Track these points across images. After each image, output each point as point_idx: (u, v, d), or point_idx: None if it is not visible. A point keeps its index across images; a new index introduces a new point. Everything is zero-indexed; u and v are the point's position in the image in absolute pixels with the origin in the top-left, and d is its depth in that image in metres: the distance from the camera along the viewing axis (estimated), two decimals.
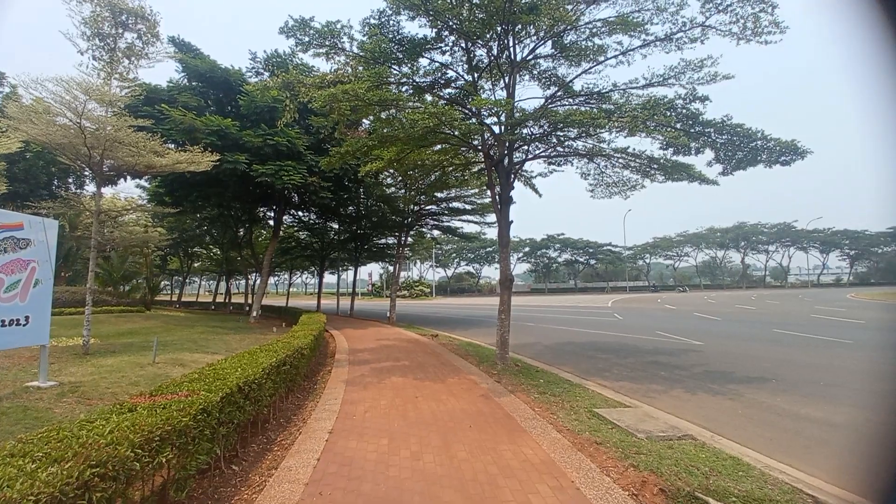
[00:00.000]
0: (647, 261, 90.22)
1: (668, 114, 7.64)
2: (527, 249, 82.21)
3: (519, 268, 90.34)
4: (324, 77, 9.73)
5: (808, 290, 64.29)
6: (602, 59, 8.85)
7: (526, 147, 10.46)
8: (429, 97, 10.22)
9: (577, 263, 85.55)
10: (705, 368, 9.13)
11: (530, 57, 9.68)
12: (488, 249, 78.31)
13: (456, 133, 9.35)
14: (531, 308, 32.25)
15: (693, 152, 8.62)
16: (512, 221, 9.54)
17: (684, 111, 7.75)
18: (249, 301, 32.95)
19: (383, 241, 29.60)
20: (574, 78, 9.55)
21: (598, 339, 14.30)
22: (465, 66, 10.12)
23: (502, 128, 9.42)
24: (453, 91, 10.76)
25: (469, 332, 16.73)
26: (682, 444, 4.56)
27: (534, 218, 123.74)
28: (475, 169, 13.41)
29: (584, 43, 9.16)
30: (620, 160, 10.75)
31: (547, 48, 9.69)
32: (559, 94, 10.14)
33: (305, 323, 11.91)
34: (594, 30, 8.91)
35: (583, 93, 9.79)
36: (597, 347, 12.49)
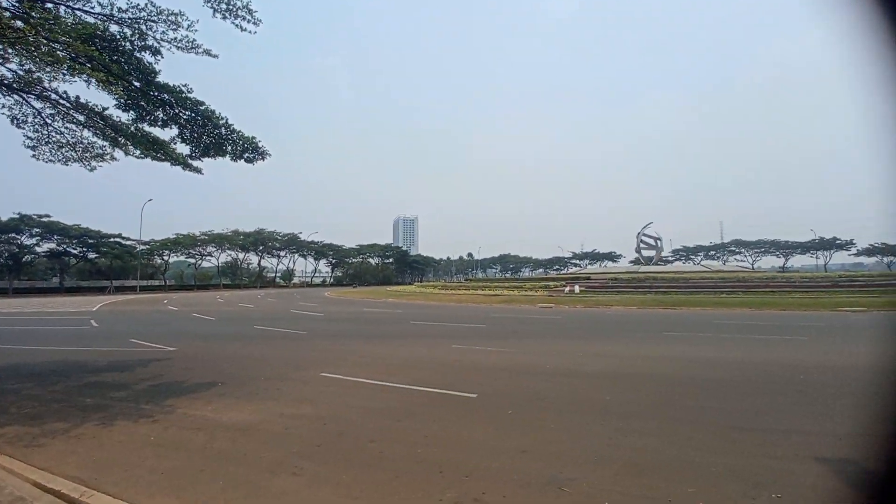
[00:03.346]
0: (166, 258, 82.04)
1: (118, 60, 5.82)
2: None
3: None
4: None
5: (304, 289, 78.09)
6: None
7: None
8: None
9: (67, 256, 65.63)
10: (155, 382, 7.72)
11: None
12: None
13: None
14: None
15: (160, 123, 7.16)
16: None
17: (136, 61, 6.16)
18: None
19: None
20: None
21: (36, 358, 10.15)
22: None
23: None
24: None
25: None
26: None
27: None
28: None
29: None
30: (72, 114, 7.83)
31: None
32: None
33: None
34: None
35: None
36: (19, 373, 8.60)
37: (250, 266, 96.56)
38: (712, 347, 10.74)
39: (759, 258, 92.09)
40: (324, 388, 7.04)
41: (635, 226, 67.43)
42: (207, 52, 7.42)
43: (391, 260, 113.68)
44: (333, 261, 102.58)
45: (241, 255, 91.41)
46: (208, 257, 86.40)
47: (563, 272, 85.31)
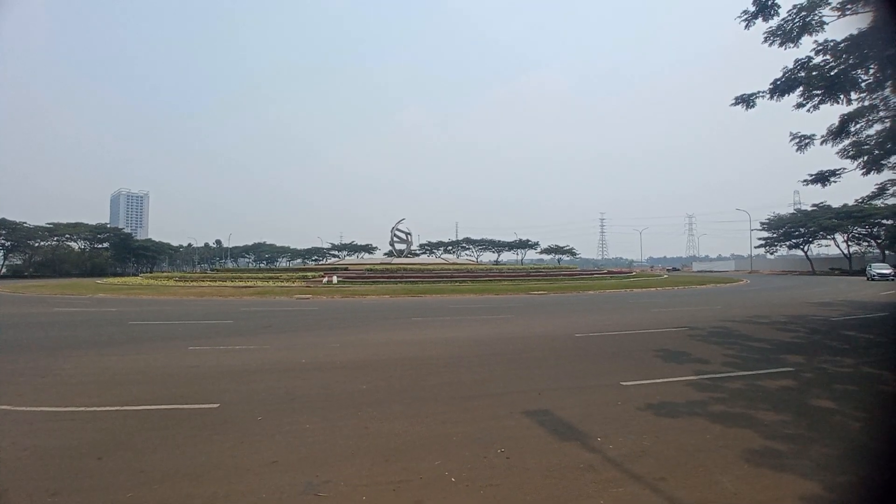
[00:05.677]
0: None
1: None
2: None
3: None
4: None
5: None
6: None
7: None
8: None
9: None
10: None
11: None
12: None
13: None
14: None
15: None
16: None
17: None
18: None
19: None
20: None
21: None
22: None
23: None
24: None
25: None
26: None
27: None
28: None
29: None
30: None
31: None
32: None
33: None
34: None
35: None
36: None
37: None
38: (449, 329, 12.43)
39: (482, 253, 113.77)
40: None
41: (390, 221, 72.82)
42: None
43: (106, 245, 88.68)
44: (7, 243, 72.88)
45: None
46: None
47: (322, 262, 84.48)
